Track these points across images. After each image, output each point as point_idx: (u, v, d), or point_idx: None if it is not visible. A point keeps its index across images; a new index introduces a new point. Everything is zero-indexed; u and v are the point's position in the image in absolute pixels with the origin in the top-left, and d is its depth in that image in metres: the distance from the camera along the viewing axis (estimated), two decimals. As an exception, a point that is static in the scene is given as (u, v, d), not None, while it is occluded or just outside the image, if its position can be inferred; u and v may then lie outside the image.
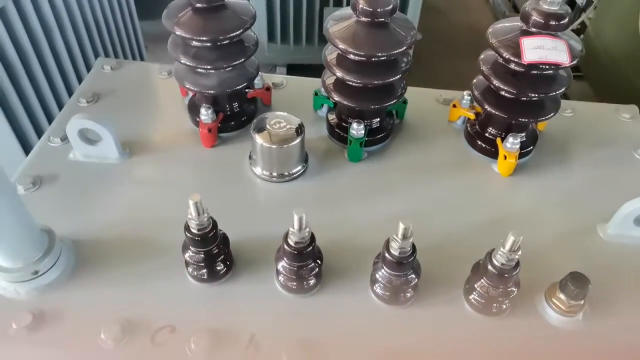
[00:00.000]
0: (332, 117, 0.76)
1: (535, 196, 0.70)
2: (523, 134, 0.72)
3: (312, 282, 0.56)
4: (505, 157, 0.69)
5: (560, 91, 0.66)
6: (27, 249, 0.54)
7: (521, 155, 0.72)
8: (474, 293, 0.55)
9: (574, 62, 0.62)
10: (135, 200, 0.66)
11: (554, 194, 0.70)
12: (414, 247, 0.52)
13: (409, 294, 0.56)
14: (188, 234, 0.53)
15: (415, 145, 0.76)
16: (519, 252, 0.50)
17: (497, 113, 0.69)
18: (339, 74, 0.67)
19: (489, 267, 0.52)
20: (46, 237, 0.56)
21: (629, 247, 0.63)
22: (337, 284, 0.58)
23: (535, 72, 0.65)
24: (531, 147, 0.74)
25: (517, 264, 0.51)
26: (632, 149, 0.76)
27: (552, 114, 0.69)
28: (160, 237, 0.61)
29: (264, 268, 0.59)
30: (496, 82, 0.67)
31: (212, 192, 0.68)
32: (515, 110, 0.68)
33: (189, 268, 0.57)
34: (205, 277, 0.56)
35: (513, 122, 0.70)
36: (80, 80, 1.14)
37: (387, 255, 0.52)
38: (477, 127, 0.75)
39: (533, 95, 0.66)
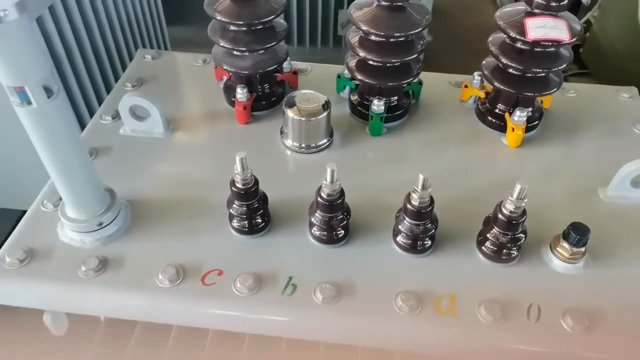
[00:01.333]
0: (355, 96, 0.84)
1: (541, 165, 0.76)
2: (530, 109, 0.78)
3: (341, 233, 0.63)
4: (513, 130, 0.76)
5: (562, 67, 0.73)
6: (93, 203, 0.62)
7: (528, 129, 0.79)
8: (487, 242, 0.62)
9: (574, 39, 0.69)
10: (180, 169, 0.74)
11: (559, 163, 0.77)
12: (431, 198, 0.59)
13: (427, 244, 0.63)
14: (234, 189, 0.61)
15: (431, 122, 0.83)
16: (525, 200, 0.57)
17: (505, 89, 0.76)
18: (362, 54, 0.75)
19: (499, 215, 0.59)
20: (108, 194, 0.64)
21: (626, 206, 0.70)
22: (363, 237, 0.65)
23: (539, 49, 0.72)
24: (537, 122, 0.80)
25: (524, 212, 0.58)
26: (632, 124, 0.83)
27: (555, 89, 0.75)
28: (204, 198, 0.69)
29: (297, 223, 0.66)
30: (504, 60, 0.74)
31: (248, 161, 0.76)
32: (522, 85, 0.75)
33: (233, 221, 0.64)
34: (247, 229, 0.64)
35: (520, 97, 0.77)
36: (115, 74, 1.23)
37: (408, 205, 0.59)
38: (487, 104, 0.82)
39: (538, 70, 0.73)
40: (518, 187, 0.56)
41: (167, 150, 0.77)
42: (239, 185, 0.60)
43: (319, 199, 0.60)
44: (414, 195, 0.58)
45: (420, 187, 0.57)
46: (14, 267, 0.61)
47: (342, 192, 0.60)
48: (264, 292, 0.59)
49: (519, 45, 0.72)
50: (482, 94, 0.83)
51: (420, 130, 0.82)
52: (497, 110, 0.81)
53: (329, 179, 0.58)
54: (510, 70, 0.75)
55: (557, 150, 0.79)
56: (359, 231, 0.66)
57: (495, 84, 0.77)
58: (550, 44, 0.70)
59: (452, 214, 0.66)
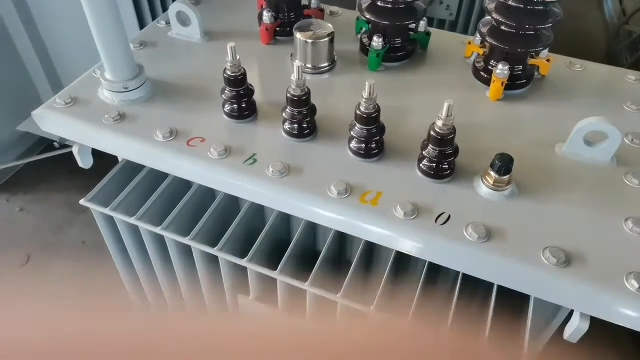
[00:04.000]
0: (365, 37, 0.94)
1: (512, 117, 0.82)
2: (519, 67, 0.84)
3: (306, 130, 0.75)
4: (494, 81, 0.83)
5: (548, 25, 0.78)
6: (124, 69, 0.79)
7: (515, 87, 0.85)
8: (424, 160, 0.71)
9: (556, -2, 0.74)
10: (203, 67, 0.90)
11: (530, 120, 0.82)
12: (378, 106, 0.69)
13: (373, 149, 0.73)
14: (224, 75, 0.75)
15: (429, 69, 0.92)
16: (452, 117, 0.65)
17: (495, 43, 0.82)
18: (369, -6, 0.85)
19: (432, 133, 0.67)
20: (137, 67, 0.82)
21: (576, 162, 0.74)
22: (325, 140, 0.77)
23: (529, 7, 0.78)
24: (524, 81, 0.86)
25: (454, 129, 0.66)
26: (624, 102, 0.85)
27: (541, 47, 0.81)
28: (213, 89, 0.84)
29: (277, 119, 0.78)
30: (496, 16, 0.81)
31: (259, 71, 0.91)
32: (511, 41, 0.81)
33: (225, 106, 0.79)
34: (235, 113, 0.78)
35: (509, 54, 0.83)
36: None
37: (357, 112, 0.70)
38: (482, 61, 0.89)
39: (527, 26, 0.79)
40: (446, 105, 0.64)
41: (198, 52, 0.94)
42: (229, 72, 0.74)
43: (287, 94, 0.73)
44: (362, 102, 0.69)
45: (367, 93, 0.68)
46: (60, 106, 0.80)
47: (308, 92, 0.73)
48: (230, 159, 0.73)
49: (510, 2, 0.79)
50: (480, 51, 0.90)
51: (416, 74, 0.91)
52: (488, 66, 0.87)
53: (295, 76, 0.70)
54: (502, 27, 0.81)
55: (534, 109, 0.84)
56: (324, 135, 0.78)
57: (487, 39, 0.83)
58: (537, 0, 0.76)
59: (411, 139, 0.76)
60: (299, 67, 0.69)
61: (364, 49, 0.94)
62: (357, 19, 0.97)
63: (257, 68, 0.92)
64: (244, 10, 1.05)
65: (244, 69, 0.75)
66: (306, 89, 0.72)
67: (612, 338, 1.33)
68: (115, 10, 0.74)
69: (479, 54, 0.91)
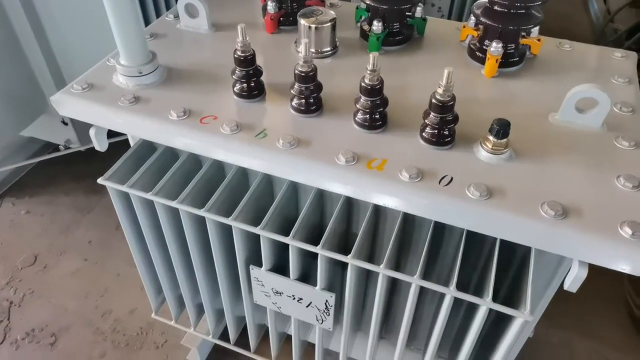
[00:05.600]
0: (365, 24, 0.99)
1: (508, 92, 0.87)
2: (513, 46, 0.89)
3: (313, 106, 0.79)
4: (489, 59, 0.87)
5: (538, 3, 0.83)
6: (139, 54, 0.84)
7: (508, 65, 0.90)
8: (426, 128, 0.75)
9: (544, -23, 0.79)
10: (211, 55, 0.95)
11: (524, 94, 0.86)
12: (381, 79, 0.73)
13: (378, 121, 0.77)
14: (235, 56, 0.79)
15: (426, 51, 0.97)
16: (452, 84, 0.69)
17: (489, 23, 0.87)
18: (369, -20, 0.90)
19: (433, 101, 0.72)
20: (150, 54, 0.86)
21: (569, 129, 0.78)
22: (332, 115, 0.81)
23: (519, -12, 0.83)
24: (517, 59, 0.90)
25: (454, 97, 0.71)
26: (611, 76, 0.90)
27: (532, 25, 0.86)
28: (222, 75, 0.88)
29: (285, 97, 0.83)
30: (489, -3, 0.86)
31: (265, 58, 0.95)
32: (504, 20, 0.86)
33: (235, 86, 0.83)
34: (244, 92, 0.82)
35: (502, 32, 0.88)
36: None
37: (362, 84, 0.74)
38: (476, 42, 0.94)
39: (518, 5, 0.84)
40: (446, 72, 0.69)
41: (206, 42, 0.98)
42: (239, 52, 0.79)
43: (295, 72, 0.77)
44: (367, 74, 0.73)
45: (371, 65, 0.72)
46: (77, 91, 0.84)
47: (315, 69, 0.77)
48: (242, 134, 0.77)
49: (501, -17, 0.84)
50: (475, 33, 0.94)
51: (414, 56, 0.95)
52: (483, 46, 0.92)
53: (302, 53, 0.75)
54: (495, 7, 0.86)
55: (527, 84, 0.88)
56: (330, 111, 0.82)
57: (481, 19, 0.88)
58: (525, -19, 0.81)
59: (413, 113, 0.80)
60: (306, 43, 0.74)
61: (364, 35, 0.98)
62: (357, 8, 1.02)
63: (263, 55, 0.96)
64: (249, 4, 1.10)
65: (253, 50, 0.80)
66: (313, 66, 0.77)
67: (614, 325, 1.37)
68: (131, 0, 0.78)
69: (473, 37, 0.96)
